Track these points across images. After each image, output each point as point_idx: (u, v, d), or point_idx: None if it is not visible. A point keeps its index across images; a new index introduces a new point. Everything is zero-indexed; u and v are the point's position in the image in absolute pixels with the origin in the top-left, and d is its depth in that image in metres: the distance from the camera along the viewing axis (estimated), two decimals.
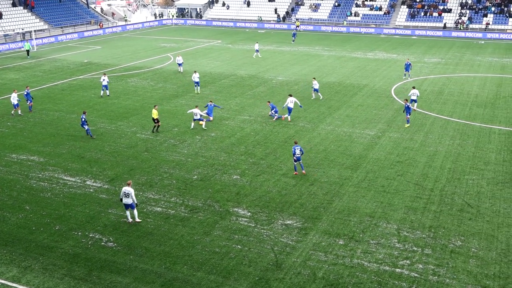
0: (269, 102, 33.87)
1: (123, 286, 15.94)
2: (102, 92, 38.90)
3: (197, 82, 39.79)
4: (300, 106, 33.32)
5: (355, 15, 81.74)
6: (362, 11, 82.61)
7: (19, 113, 34.25)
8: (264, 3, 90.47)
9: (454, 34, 73.25)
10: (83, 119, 29.38)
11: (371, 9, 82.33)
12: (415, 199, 21.54)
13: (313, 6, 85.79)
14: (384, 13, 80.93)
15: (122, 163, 25.86)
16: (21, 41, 66.03)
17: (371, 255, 17.41)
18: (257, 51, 56.10)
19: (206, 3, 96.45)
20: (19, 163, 26.01)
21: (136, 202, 19.69)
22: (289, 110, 32.35)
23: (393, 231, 18.98)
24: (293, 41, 66.78)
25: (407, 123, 31.06)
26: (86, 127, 29.40)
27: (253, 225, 19.58)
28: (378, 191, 22.28)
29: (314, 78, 38.23)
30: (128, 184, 19.49)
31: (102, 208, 21.05)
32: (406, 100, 31.86)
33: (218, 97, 38.31)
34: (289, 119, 32.49)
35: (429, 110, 34.62)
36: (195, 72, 40.48)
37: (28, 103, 34.72)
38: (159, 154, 27.04)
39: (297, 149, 23.80)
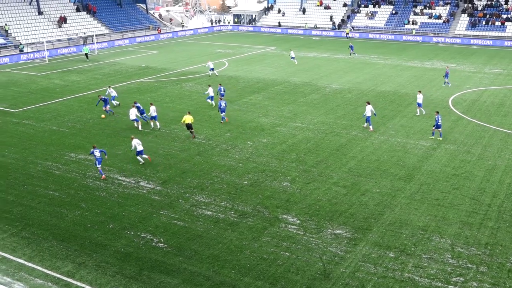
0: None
1: (172, 287, 16.20)
2: (111, 103, 37.76)
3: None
4: (374, 114, 32.32)
5: (412, 23, 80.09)
6: (420, 19, 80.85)
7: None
8: (319, 10, 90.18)
9: None
10: (141, 108, 33.08)
11: (429, 17, 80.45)
12: (471, 214, 20.79)
13: (370, 14, 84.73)
14: (443, 22, 78.87)
15: (175, 165, 26.35)
16: (83, 44, 68.67)
17: (422, 270, 16.93)
18: (293, 58, 56.12)
19: (261, 10, 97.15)
20: (77, 162, 26.98)
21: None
22: (368, 119, 31.64)
23: (446, 246, 18.39)
24: (353, 53, 62.37)
25: (433, 135, 30.29)
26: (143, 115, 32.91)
27: (302, 233, 19.46)
28: (432, 204, 21.66)
29: (420, 91, 35.63)
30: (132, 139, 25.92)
31: (154, 209, 21.50)
32: (438, 112, 30.76)
33: (270, 104, 38.44)
34: (370, 128, 31.66)
35: (489, 122, 33.40)
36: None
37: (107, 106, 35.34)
38: (211, 158, 27.37)
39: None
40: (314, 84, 45.61)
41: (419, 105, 34.94)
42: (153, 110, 32.39)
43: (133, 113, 32.18)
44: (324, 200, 22.19)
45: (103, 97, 35.50)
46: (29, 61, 60.39)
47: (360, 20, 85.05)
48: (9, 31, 66.21)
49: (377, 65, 55.64)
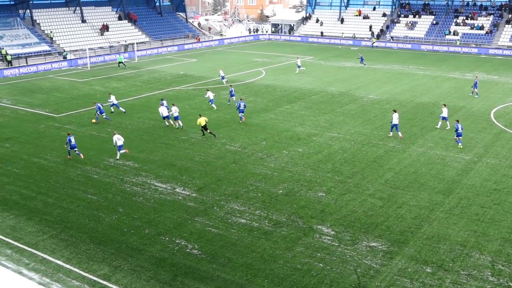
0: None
1: None
2: (116, 109, 38.59)
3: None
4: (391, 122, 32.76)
5: (454, 34, 78.59)
6: (462, 30, 79.25)
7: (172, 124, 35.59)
8: (358, 20, 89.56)
9: None
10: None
11: (471, 28, 78.78)
12: None
13: (409, 24, 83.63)
14: (486, 33, 77.09)
15: (211, 173, 26.53)
16: (124, 52, 70.20)
17: (461, 287, 16.47)
18: (299, 66, 56.27)
19: (300, 19, 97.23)
20: (116, 167, 27.50)
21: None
22: (395, 126, 32.01)
23: (486, 263, 17.85)
24: (364, 64, 61.56)
25: (459, 143, 30.38)
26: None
27: (336, 244, 19.26)
28: (472, 219, 21.09)
29: (445, 105, 35.01)
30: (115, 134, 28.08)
31: (189, 215, 21.68)
32: (457, 120, 30.83)
33: (307, 113, 38.33)
34: (400, 135, 31.95)
35: None
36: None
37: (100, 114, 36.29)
38: (246, 166, 27.45)
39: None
40: (351, 94, 45.26)
41: (444, 118, 34.23)
42: (175, 111, 34.06)
43: (164, 111, 34.44)
44: (359, 212, 21.92)
45: (98, 104, 36.41)
46: (72, 67, 62.12)
47: (399, 30, 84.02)
48: (53, 39, 68.32)
49: (416, 75, 54.80)
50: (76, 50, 67.99)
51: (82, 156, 28.36)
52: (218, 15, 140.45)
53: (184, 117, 37.35)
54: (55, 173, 26.63)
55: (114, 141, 28.42)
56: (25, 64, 60.09)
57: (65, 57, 64.19)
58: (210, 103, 39.73)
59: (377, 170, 26.73)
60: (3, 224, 20.93)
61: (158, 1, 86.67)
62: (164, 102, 36.20)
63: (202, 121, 31.82)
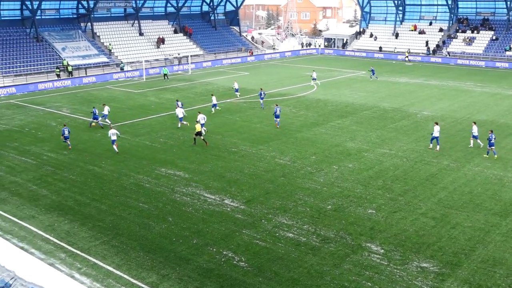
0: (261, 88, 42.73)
1: None
2: (101, 121, 39.50)
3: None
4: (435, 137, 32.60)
5: None
6: None
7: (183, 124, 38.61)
8: (413, 35, 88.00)
9: None
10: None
11: None
12: None
13: (467, 40, 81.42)
14: None
15: (259, 185, 26.58)
16: (178, 64, 71.79)
17: None
18: (314, 79, 57.02)
19: (353, 34, 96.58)
20: (167, 177, 28.01)
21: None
22: (436, 139, 32.04)
23: None
24: (375, 77, 61.44)
25: (494, 154, 30.54)
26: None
27: (385, 263, 18.80)
28: None
29: (475, 123, 33.83)
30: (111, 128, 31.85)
31: (237, 227, 21.75)
32: (491, 131, 30.73)
33: (358, 128, 37.86)
34: (437, 148, 32.09)
35: None
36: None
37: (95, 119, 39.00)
38: (295, 180, 27.33)
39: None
40: (404, 110, 44.38)
41: (475, 137, 32.85)
42: (201, 118, 35.23)
43: (179, 113, 38.19)
44: (410, 231, 21.34)
45: (95, 110, 39.23)
46: (128, 78, 64.06)
47: (456, 45, 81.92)
48: (112, 50, 70.76)
49: (473, 92, 53.15)
50: (133, 62, 70.12)
51: (70, 147, 32.96)
52: (272, 29, 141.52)
53: (235, 129, 37.71)
54: (108, 181, 27.41)
55: (109, 134, 32.17)
56: (85, 75, 62.48)
57: (122, 69, 66.32)
58: (213, 108, 43.18)
59: (430, 188, 26.00)
60: (59, 229, 21.69)
61: (213, 15, 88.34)
62: (179, 103, 40.15)
63: (199, 127, 33.30)
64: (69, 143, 33.14)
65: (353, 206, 23.93)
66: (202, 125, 34.82)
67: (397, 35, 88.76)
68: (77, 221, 22.43)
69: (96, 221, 22.41)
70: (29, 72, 60.52)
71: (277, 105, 39.08)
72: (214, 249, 19.90)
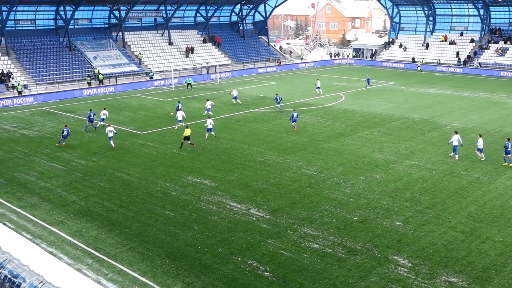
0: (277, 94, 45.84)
1: None
2: (98, 123, 41.94)
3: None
4: (461, 145, 32.59)
5: None
6: None
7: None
8: (443, 46, 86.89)
9: None
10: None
11: None
12: None
13: (500, 50, 79.95)
14: None
15: (285, 195, 26.49)
16: (207, 74, 72.40)
17: None
18: (318, 87, 57.74)
19: (382, 44, 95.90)
20: (193, 185, 28.18)
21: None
22: (454, 148, 32.40)
23: None
24: (369, 86, 62.64)
25: (505, 162, 30.66)
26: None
27: (413, 277, 18.47)
28: None
29: (480, 135, 32.54)
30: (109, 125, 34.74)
31: (263, 237, 21.70)
32: (508, 139, 30.62)
33: (386, 139, 37.45)
34: (456, 157, 32.27)
35: None
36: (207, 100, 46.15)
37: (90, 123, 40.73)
38: (321, 191, 27.16)
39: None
40: (434, 121, 43.75)
41: (480, 150, 32.05)
42: (209, 123, 37.14)
43: (179, 115, 40.62)
44: (439, 244, 20.93)
45: (91, 113, 40.68)
46: (157, 87, 64.90)
47: (488, 56, 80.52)
48: (142, 59, 71.86)
49: (505, 104, 52.07)
50: (162, 71, 71.06)
51: (64, 144, 35.52)
52: (300, 39, 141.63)
53: (262, 138, 37.75)
54: (136, 188, 27.72)
55: (107, 131, 35.00)
56: (115, 83, 63.57)
57: (151, 77, 67.24)
58: (207, 111, 44.80)
59: (459, 201, 25.51)
60: (87, 235, 22.01)
61: (241, 25, 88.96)
62: (180, 105, 43.57)
63: (187, 132, 34.64)
64: (64, 143, 35.77)
65: (380, 218, 23.62)
66: (210, 129, 36.85)
67: (427, 46, 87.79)
68: (104, 227, 22.72)
69: (123, 228, 22.66)
70: (61, 80, 61.93)
71: (294, 110, 40.66)
72: (239, 259, 19.88)
